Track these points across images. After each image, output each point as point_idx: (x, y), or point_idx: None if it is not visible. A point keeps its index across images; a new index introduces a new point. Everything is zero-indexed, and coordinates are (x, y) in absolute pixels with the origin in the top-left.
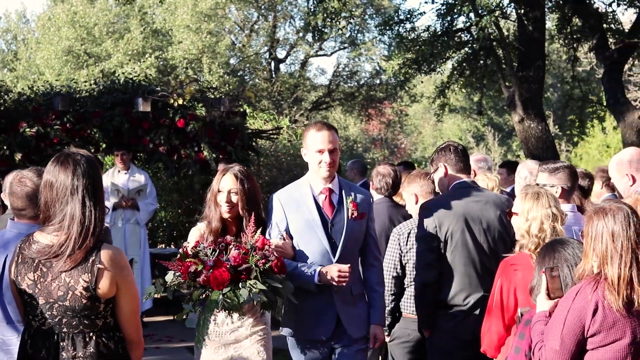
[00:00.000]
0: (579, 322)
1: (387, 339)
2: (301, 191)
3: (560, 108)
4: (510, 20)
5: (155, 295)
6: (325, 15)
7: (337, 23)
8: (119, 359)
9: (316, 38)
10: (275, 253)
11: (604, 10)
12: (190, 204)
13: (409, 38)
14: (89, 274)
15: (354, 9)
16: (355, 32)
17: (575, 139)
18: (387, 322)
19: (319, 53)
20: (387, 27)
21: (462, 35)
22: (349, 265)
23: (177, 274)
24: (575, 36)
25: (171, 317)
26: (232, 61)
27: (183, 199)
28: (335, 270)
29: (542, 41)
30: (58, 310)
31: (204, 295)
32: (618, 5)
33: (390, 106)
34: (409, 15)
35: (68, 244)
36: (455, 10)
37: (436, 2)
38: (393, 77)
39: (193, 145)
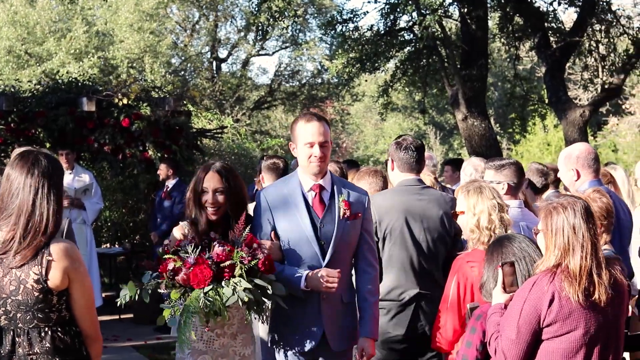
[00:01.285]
0: (535, 312)
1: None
2: (289, 187)
3: (501, 106)
4: (453, 20)
5: (102, 295)
6: (269, 14)
7: (282, 22)
8: (75, 354)
9: (259, 37)
10: (263, 251)
11: (545, 10)
12: (135, 204)
13: (353, 38)
14: (39, 267)
15: (296, 9)
16: (297, 31)
17: (517, 137)
18: None
19: (260, 52)
20: (331, 27)
21: (405, 34)
22: (338, 270)
23: (154, 274)
24: (516, 35)
25: (117, 317)
26: (173, 61)
27: (128, 198)
28: (323, 275)
29: (485, 40)
30: (12, 306)
31: (183, 296)
32: (559, 4)
33: (332, 105)
34: (352, 15)
35: (14, 240)
36: (398, 10)
37: (379, 2)
38: (336, 77)
39: (138, 144)
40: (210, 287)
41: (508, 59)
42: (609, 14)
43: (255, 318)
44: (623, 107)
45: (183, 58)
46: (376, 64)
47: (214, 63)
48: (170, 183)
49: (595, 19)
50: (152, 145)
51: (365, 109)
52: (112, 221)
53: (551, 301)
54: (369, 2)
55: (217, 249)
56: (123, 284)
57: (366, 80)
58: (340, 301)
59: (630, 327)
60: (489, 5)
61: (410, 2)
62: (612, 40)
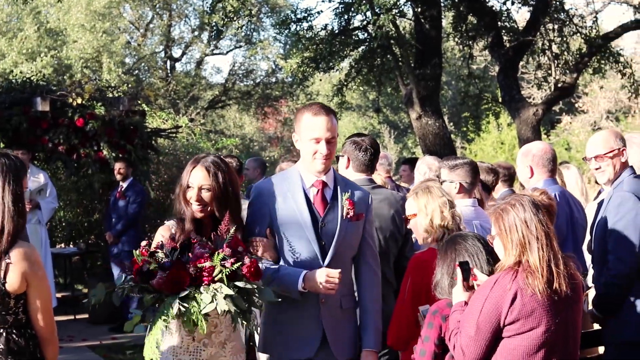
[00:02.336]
0: (496, 310)
1: None
2: (290, 182)
3: (455, 105)
4: (407, 19)
5: (57, 295)
6: (224, 14)
7: (236, 22)
8: (29, 356)
9: (213, 37)
10: (250, 255)
11: (498, 9)
12: (89, 204)
13: (307, 37)
14: None
15: (251, 8)
16: (251, 30)
17: (472, 136)
18: None
19: (214, 52)
20: (285, 26)
21: (359, 34)
22: (339, 270)
23: (127, 277)
24: (470, 34)
25: (72, 317)
26: (127, 60)
27: (82, 198)
28: (323, 275)
29: (439, 39)
30: None
31: (157, 302)
32: (512, 3)
33: (286, 104)
34: (306, 14)
35: None
36: (352, 9)
37: (333, 1)
38: (291, 76)
39: (92, 144)
40: (187, 292)
41: (462, 58)
42: (562, 13)
43: (243, 326)
44: (576, 105)
45: (137, 58)
46: (330, 63)
47: (168, 62)
48: (125, 183)
49: (549, 18)
50: (107, 145)
51: None
52: (67, 221)
53: (513, 299)
54: (322, 1)
55: (197, 250)
56: (79, 285)
57: (320, 80)
58: (339, 307)
59: (585, 325)
60: (442, 4)
61: (364, 1)
62: (565, 39)
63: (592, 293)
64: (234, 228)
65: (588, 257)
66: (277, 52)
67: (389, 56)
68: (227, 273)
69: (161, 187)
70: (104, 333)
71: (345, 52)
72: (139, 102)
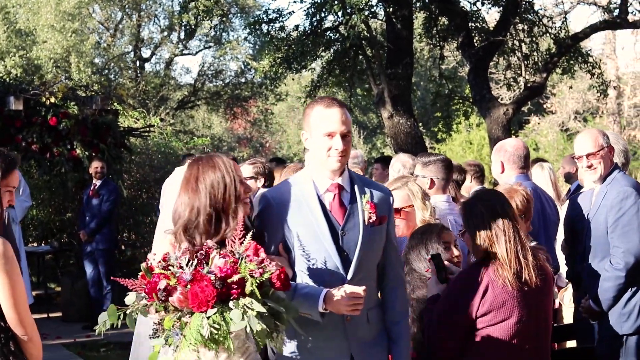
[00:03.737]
0: (468, 303)
1: None
2: (301, 188)
3: (424, 106)
4: (378, 19)
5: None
6: (196, 13)
7: (209, 22)
8: (5, 353)
9: (185, 37)
10: (273, 264)
11: (469, 9)
12: (62, 202)
13: (279, 37)
14: None
15: (223, 8)
16: (221, 31)
17: (443, 135)
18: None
19: (184, 52)
20: (257, 27)
21: (331, 34)
22: (363, 287)
23: (140, 294)
24: (441, 35)
25: (45, 315)
26: (97, 60)
27: (55, 197)
28: (346, 294)
29: (410, 39)
30: None
31: (179, 321)
32: (482, 4)
33: (255, 105)
34: (277, 15)
35: None
36: (324, 9)
37: (305, 1)
38: (263, 77)
39: (65, 143)
40: (215, 309)
41: (431, 58)
42: (531, 14)
43: (270, 347)
44: (544, 106)
45: (106, 58)
46: (303, 64)
47: (137, 63)
48: (98, 181)
49: (519, 18)
50: (80, 143)
51: (288, 108)
52: (39, 220)
53: (485, 291)
54: (294, 1)
55: (218, 261)
56: (52, 283)
57: (293, 79)
58: (366, 322)
59: (556, 319)
60: (413, 5)
61: (336, 1)
62: (534, 39)
63: (569, 289)
64: (250, 234)
65: (560, 255)
66: (247, 52)
67: (360, 56)
68: (257, 284)
69: (133, 186)
70: (77, 331)
71: (317, 53)
72: (111, 101)
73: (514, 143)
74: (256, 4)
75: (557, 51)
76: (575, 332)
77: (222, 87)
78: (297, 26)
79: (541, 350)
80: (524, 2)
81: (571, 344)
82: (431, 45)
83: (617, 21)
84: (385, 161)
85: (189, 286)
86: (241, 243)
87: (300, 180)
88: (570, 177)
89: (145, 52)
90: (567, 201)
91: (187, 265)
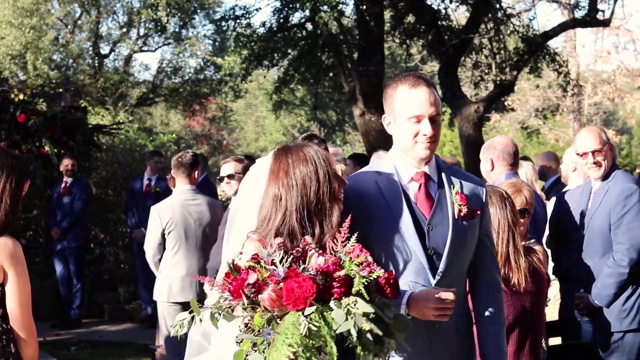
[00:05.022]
0: None
1: None
2: (382, 178)
3: None
4: (346, 17)
5: None
6: (169, 9)
7: (175, 18)
8: (6, 354)
9: (153, 33)
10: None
11: (438, 8)
12: (29, 200)
13: (245, 34)
14: None
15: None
16: (179, 27)
17: None
18: None
19: (143, 49)
20: (223, 24)
21: (298, 31)
22: (454, 289)
23: (224, 294)
24: (408, 33)
25: None
26: (55, 57)
27: None
28: (433, 297)
29: (381, 36)
30: None
31: (270, 322)
32: (450, 2)
33: (214, 102)
34: (244, 12)
35: None
36: (291, 6)
37: None
38: (228, 73)
39: (34, 140)
40: (314, 308)
41: (400, 56)
42: (500, 12)
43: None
44: (505, 103)
45: (65, 54)
46: (274, 61)
47: (96, 59)
48: (69, 179)
49: (489, 16)
50: (49, 141)
51: (246, 105)
52: None
53: None
54: None
55: (317, 259)
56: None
57: (265, 77)
58: (455, 331)
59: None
60: (384, 2)
61: None
62: (502, 38)
63: (555, 285)
64: (355, 235)
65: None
66: (206, 49)
67: (329, 53)
68: (366, 283)
69: (100, 184)
70: (47, 329)
71: (287, 50)
72: (81, 98)
73: (503, 140)
74: (215, 1)
75: (527, 49)
76: (560, 329)
77: (181, 84)
78: (264, 23)
79: (532, 350)
80: (493, 1)
81: (555, 340)
82: (399, 44)
83: (587, 19)
84: (357, 158)
85: (282, 284)
86: (344, 245)
87: (381, 167)
88: (544, 174)
89: (104, 49)
90: (554, 198)
91: (280, 262)
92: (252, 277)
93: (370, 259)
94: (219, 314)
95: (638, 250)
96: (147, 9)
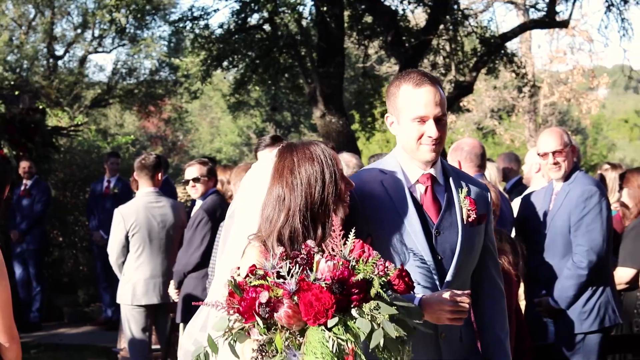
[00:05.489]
0: None
1: None
2: (388, 178)
3: (345, 103)
4: (304, 18)
5: None
6: (129, 11)
7: (140, 19)
8: None
9: (99, 35)
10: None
11: (397, 9)
12: None
13: (203, 36)
14: None
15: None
16: (134, 28)
17: (366, 135)
18: None
19: (97, 50)
20: (181, 25)
21: (256, 32)
22: (468, 291)
23: (232, 317)
24: (366, 34)
25: None
26: (10, 58)
27: None
28: (448, 299)
29: (342, 38)
30: None
31: (293, 341)
32: (409, 3)
33: (169, 103)
34: (202, 13)
35: None
36: (251, 7)
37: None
38: (185, 75)
39: None
40: (336, 320)
41: (358, 57)
42: (459, 13)
43: None
44: (461, 104)
45: (19, 55)
46: (233, 62)
47: (51, 60)
48: (29, 181)
49: (448, 18)
50: (7, 143)
51: (201, 107)
52: None
53: None
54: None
55: (325, 264)
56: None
57: (225, 78)
58: (459, 341)
59: None
60: (344, 3)
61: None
62: (460, 39)
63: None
64: (352, 234)
65: None
66: (162, 50)
67: (289, 54)
68: (383, 283)
69: (58, 186)
70: None
71: (247, 51)
72: (40, 100)
73: (470, 142)
74: (170, 2)
75: (486, 50)
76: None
77: (136, 85)
78: (222, 24)
79: None
80: (452, 2)
81: None
82: (356, 44)
83: (545, 20)
84: None
85: (296, 297)
86: (344, 243)
87: (387, 166)
88: (506, 175)
89: (59, 50)
90: (517, 199)
91: (288, 273)
92: (263, 297)
93: (379, 255)
94: (234, 340)
95: (597, 252)
96: (102, 10)
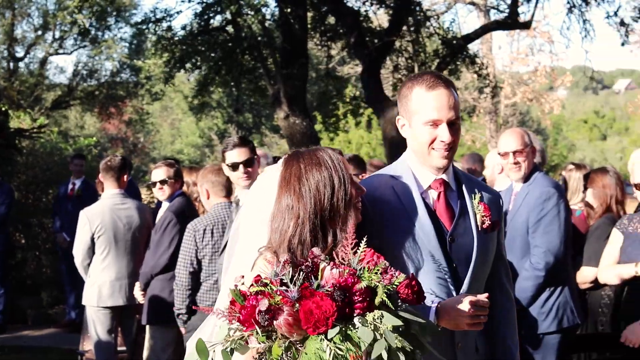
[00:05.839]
0: None
1: (183, 331)
2: (399, 183)
3: (308, 104)
4: (267, 20)
5: None
6: (91, 12)
7: (104, 21)
8: None
9: (59, 36)
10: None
11: (360, 10)
12: None
13: (166, 37)
14: None
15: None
16: (95, 29)
17: (328, 135)
18: (184, 318)
19: (58, 52)
20: (144, 26)
21: (219, 34)
22: (486, 295)
23: (232, 325)
24: (329, 35)
25: None
26: None
27: None
28: (467, 305)
29: (305, 39)
30: None
31: (289, 351)
32: (371, 4)
33: (130, 105)
34: (165, 14)
35: None
36: (213, 9)
37: (193, 1)
38: (147, 77)
39: None
40: (337, 329)
41: (321, 59)
42: (421, 14)
43: None
44: None
45: None
46: (197, 64)
47: (11, 62)
48: None
49: (411, 19)
50: None
51: (162, 108)
52: None
53: None
54: (182, 1)
55: (330, 272)
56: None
57: (188, 79)
58: (474, 351)
59: None
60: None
61: (232, 1)
62: (423, 40)
63: None
64: (364, 242)
65: None
66: (123, 52)
67: (252, 55)
68: (388, 292)
69: (21, 188)
70: None
71: (210, 53)
72: (2, 102)
73: None
74: (132, 3)
75: (449, 52)
76: None
77: (97, 87)
78: (184, 26)
79: None
80: (414, 3)
81: None
82: (319, 45)
83: (508, 22)
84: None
85: (297, 305)
86: (354, 253)
87: (397, 172)
88: None
89: (19, 52)
90: None
91: (291, 281)
92: (263, 304)
93: (387, 264)
94: (232, 348)
95: (555, 253)
96: (62, 12)
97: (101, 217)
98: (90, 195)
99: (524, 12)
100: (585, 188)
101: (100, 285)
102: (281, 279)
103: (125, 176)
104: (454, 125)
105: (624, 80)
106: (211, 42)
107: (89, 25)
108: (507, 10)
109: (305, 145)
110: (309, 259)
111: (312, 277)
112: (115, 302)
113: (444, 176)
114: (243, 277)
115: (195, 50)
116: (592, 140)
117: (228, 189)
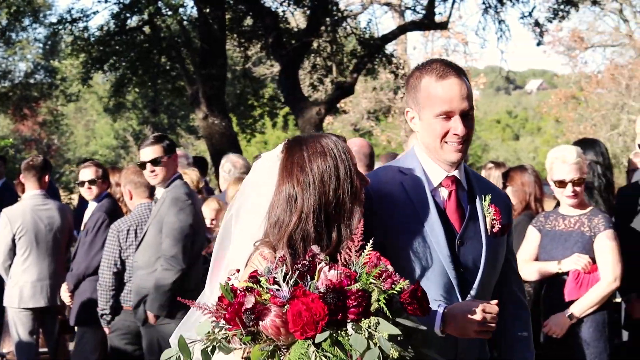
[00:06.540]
0: None
1: (107, 331)
2: (408, 179)
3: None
4: (186, 21)
5: None
6: (8, 13)
7: (20, 21)
8: None
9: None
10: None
11: (277, 10)
12: None
13: (83, 38)
14: None
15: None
16: (9, 30)
17: (246, 137)
18: (108, 318)
19: None
20: (60, 27)
21: (136, 34)
22: (496, 301)
23: (218, 323)
24: (247, 35)
25: None
26: None
27: None
28: (475, 312)
29: (223, 40)
30: None
31: (274, 355)
32: (288, 5)
33: (45, 106)
34: (81, 15)
35: None
36: (131, 9)
37: (109, 2)
38: (62, 78)
39: None
40: (327, 334)
41: (239, 59)
42: (338, 14)
43: None
44: (337, 105)
45: None
46: (115, 64)
47: None
48: None
49: (329, 20)
50: None
51: (76, 110)
52: None
53: None
54: (99, 1)
55: (329, 273)
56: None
57: (107, 80)
58: None
59: None
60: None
61: (150, 1)
62: (340, 40)
63: None
64: (370, 243)
65: None
66: (37, 52)
67: (165, 57)
68: (386, 298)
69: None
70: None
71: (128, 53)
72: None
73: (358, 142)
74: (46, 3)
75: (366, 52)
76: None
77: (10, 88)
78: (101, 26)
79: None
80: (330, 4)
81: None
82: (237, 46)
83: (425, 22)
84: (197, 162)
85: (287, 307)
86: (359, 255)
87: (407, 167)
88: None
89: None
90: None
91: (284, 280)
92: (249, 301)
93: (390, 268)
94: (214, 347)
95: None
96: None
97: (22, 218)
98: (9, 196)
99: (441, 13)
100: (505, 186)
101: (22, 287)
102: (274, 277)
103: (46, 177)
104: (467, 116)
105: (535, 80)
106: (128, 42)
107: (5, 25)
108: (424, 11)
109: (224, 145)
110: (307, 257)
111: (308, 278)
112: (37, 303)
113: (455, 173)
114: (238, 270)
115: (113, 50)
116: (505, 140)
117: (151, 189)
